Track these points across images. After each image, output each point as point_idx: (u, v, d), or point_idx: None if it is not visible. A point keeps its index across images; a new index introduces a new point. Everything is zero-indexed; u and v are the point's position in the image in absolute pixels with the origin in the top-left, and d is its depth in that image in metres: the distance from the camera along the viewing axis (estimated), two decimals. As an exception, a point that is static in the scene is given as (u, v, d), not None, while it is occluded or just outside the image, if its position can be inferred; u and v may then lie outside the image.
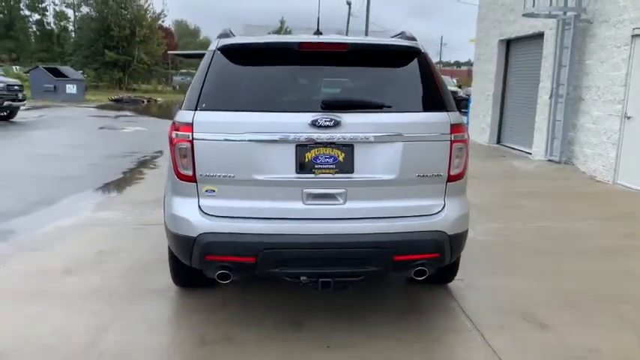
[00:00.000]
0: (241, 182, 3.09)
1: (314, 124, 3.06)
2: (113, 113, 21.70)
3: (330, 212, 3.14)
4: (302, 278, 3.18)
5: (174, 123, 3.21)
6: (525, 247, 5.37)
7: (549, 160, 10.37)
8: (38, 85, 26.77)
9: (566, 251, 5.25)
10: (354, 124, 3.10)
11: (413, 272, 3.23)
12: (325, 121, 3.06)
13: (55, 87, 26.78)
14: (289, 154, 3.09)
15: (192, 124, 3.09)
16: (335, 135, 3.08)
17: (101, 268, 4.50)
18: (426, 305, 3.93)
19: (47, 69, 28.07)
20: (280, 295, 3.94)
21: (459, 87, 31.61)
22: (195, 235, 3.08)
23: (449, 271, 3.95)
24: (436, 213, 3.24)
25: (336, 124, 3.07)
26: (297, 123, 3.07)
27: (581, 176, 9.29)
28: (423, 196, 3.24)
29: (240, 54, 3.33)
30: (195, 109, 3.13)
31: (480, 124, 14.34)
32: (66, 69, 30.24)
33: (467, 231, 3.43)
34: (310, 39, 3.41)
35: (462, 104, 24.25)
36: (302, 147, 3.09)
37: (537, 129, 11.14)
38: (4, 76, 25.69)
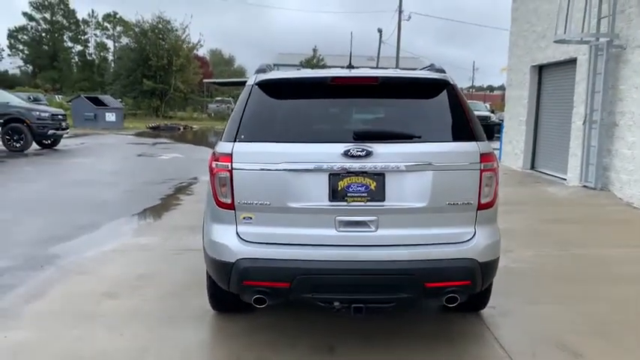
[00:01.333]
0: (277, 210, 3.24)
1: (346, 154, 3.19)
2: (151, 140, 22.31)
3: (362, 239, 3.24)
4: (335, 304, 3.28)
5: (214, 153, 3.40)
6: (559, 274, 5.34)
7: (584, 186, 10.24)
8: (80, 113, 27.80)
9: (600, 279, 5.20)
10: (385, 153, 3.22)
11: (444, 299, 3.30)
12: (357, 151, 3.19)
13: (95, 115, 27.76)
14: (323, 182, 3.22)
15: (231, 154, 3.26)
16: (367, 164, 3.20)
17: (141, 291, 4.68)
18: (458, 332, 3.96)
19: (88, 98, 29.15)
20: (314, 320, 4.03)
21: (492, 112, 31.38)
22: (234, 261, 3.22)
23: (481, 298, 3.99)
24: (467, 240, 3.31)
25: (368, 154, 3.20)
26: (331, 153, 3.21)
27: (617, 203, 9.14)
28: (453, 223, 3.31)
29: (276, 88, 3.51)
30: (234, 141, 3.31)
31: (513, 149, 14.26)
32: (106, 98, 31.32)
33: (498, 258, 3.48)
34: (342, 73, 3.57)
35: (495, 129, 24.17)
36: (335, 176, 3.22)
37: (572, 155, 11.03)
38: (47, 105, 26.89)
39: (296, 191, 3.22)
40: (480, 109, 28.46)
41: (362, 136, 3.28)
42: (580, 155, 10.50)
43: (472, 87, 75.94)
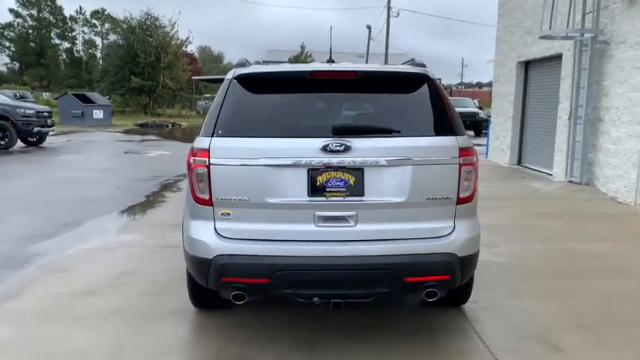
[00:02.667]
0: (255, 205, 3.21)
1: (325, 148, 3.17)
2: (138, 137, 22.18)
3: (341, 234, 3.23)
4: (314, 299, 3.26)
5: (192, 149, 3.36)
6: (543, 269, 5.35)
7: (570, 182, 10.30)
8: (67, 111, 27.61)
9: (584, 273, 5.22)
10: (364, 148, 3.20)
11: (424, 294, 3.29)
12: (336, 145, 3.17)
13: (82, 113, 27.57)
14: (301, 178, 3.20)
15: (208, 149, 3.23)
16: (345, 159, 3.18)
17: (122, 289, 4.64)
18: (440, 327, 3.95)
19: (75, 95, 28.95)
20: (295, 316, 4.01)
21: (480, 108, 31.51)
22: (212, 257, 3.19)
23: (462, 292, 3.98)
24: (446, 235, 3.30)
25: (347, 148, 3.17)
26: (309, 148, 3.19)
27: (602, 197, 9.20)
28: (432, 218, 3.30)
29: (254, 83, 3.48)
30: (212, 136, 3.27)
31: (500, 145, 14.32)
32: (93, 95, 31.10)
33: (478, 252, 3.47)
34: (321, 67, 3.55)
35: (483, 125, 24.28)
36: (314, 171, 3.20)
37: (557, 150, 11.09)
38: (34, 102, 26.65)
39: (274, 187, 3.19)
40: (468, 105, 28.57)
41: (341, 131, 3.26)
42: (565, 150, 10.56)
43: (461, 83, 76.22)
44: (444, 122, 3.39)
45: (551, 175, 11.35)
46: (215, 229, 3.26)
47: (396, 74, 3.61)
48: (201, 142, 3.30)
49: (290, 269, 3.13)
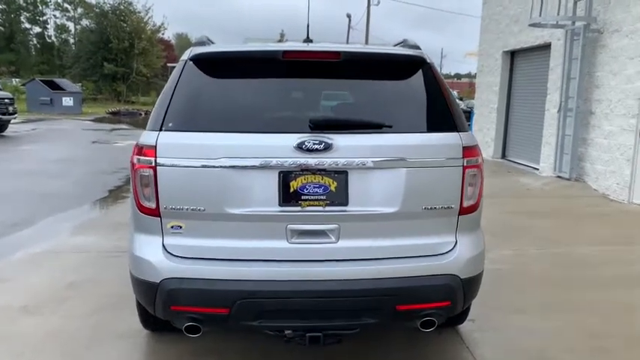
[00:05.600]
0: (213, 217, 2.60)
1: (300, 147, 2.57)
2: (109, 126, 21.32)
3: (319, 252, 2.63)
4: (287, 332, 2.67)
5: (136, 145, 2.73)
6: (541, 277, 4.86)
7: (558, 177, 9.87)
8: (35, 97, 26.60)
9: (585, 282, 4.74)
10: (348, 147, 2.61)
11: (419, 324, 2.73)
12: (314, 143, 2.57)
13: (51, 100, 26.57)
14: (271, 182, 2.60)
15: (155, 146, 2.61)
16: (325, 160, 2.58)
17: (66, 305, 4.01)
18: (434, 353, 3.42)
19: (44, 81, 27.87)
20: (266, 344, 3.41)
21: (461, 99, 31.30)
22: (158, 281, 2.58)
23: (460, 312, 3.42)
24: (446, 253, 2.74)
25: (327, 147, 2.58)
26: (281, 146, 2.58)
27: (593, 194, 8.78)
28: (430, 232, 2.74)
29: (215, 65, 2.85)
30: (160, 130, 2.65)
31: (483, 137, 13.86)
32: (63, 81, 30.01)
33: (482, 273, 2.92)
34: (297, 47, 2.93)
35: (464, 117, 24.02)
36: (286, 174, 2.60)
37: (545, 144, 10.65)
38: (1, 89, 25.45)
39: (237, 193, 2.59)
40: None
41: (320, 126, 2.65)
42: (554, 144, 10.12)
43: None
44: (444, 116, 2.81)
45: (537, 169, 10.92)
46: (163, 245, 2.64)
47: (387, 57, 3.00)
48: (147, 137, 2.67)
49: (255, 297, 2.53)
